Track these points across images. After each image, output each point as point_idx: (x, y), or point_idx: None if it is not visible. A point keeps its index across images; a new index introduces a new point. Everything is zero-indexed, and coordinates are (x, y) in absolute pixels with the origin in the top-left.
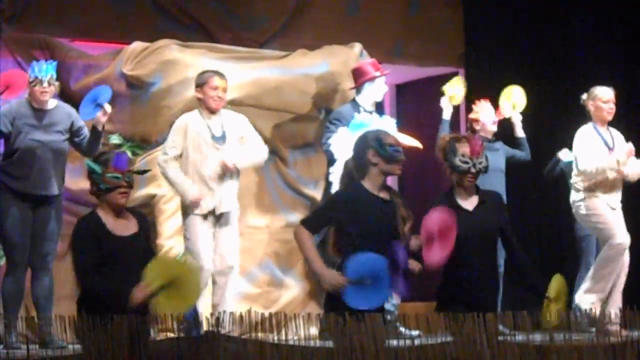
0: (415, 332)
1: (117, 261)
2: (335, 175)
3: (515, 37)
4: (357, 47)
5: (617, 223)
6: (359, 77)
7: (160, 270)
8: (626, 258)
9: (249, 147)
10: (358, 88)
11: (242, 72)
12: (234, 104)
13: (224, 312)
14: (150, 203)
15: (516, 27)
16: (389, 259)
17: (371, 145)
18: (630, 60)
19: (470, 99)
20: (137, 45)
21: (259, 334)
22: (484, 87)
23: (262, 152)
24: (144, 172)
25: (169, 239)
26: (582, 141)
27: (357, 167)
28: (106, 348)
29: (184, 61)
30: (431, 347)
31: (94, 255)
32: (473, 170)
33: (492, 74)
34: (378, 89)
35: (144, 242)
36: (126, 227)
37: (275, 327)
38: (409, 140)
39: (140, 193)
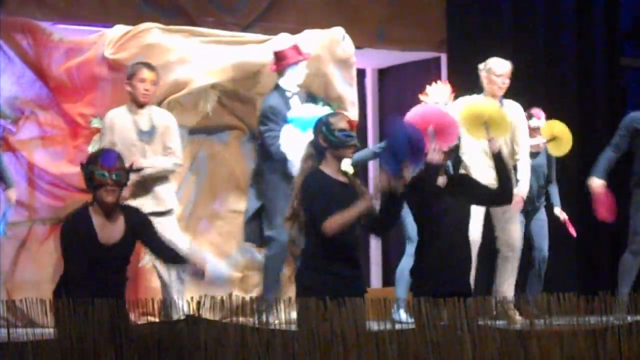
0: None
1: (100, 268)
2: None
3: (497, 21)
4: (339, 31)
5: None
6: (281, 60)
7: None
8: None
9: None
10: (281, 72)
11: (223, 56)
12: (216, 88)
13: (205, 296)
14: None
15: (498, 11)
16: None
17: (321, 130)
18: (613, 42)
19: (453, 83)
20: (118, 28)
21: (240, 318)
22: (465, 72)
23: (173, 161)
24: (138, 170)
25: None
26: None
27: (314, 151)
28: (86, 332)
29: (166, 45)
30: (412, 331)
31: (82, 256)
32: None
33: (474, 58)
34: (300, 73)
35: (130, 247)
36: (113, 233)
37: (256, 311)
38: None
39: None
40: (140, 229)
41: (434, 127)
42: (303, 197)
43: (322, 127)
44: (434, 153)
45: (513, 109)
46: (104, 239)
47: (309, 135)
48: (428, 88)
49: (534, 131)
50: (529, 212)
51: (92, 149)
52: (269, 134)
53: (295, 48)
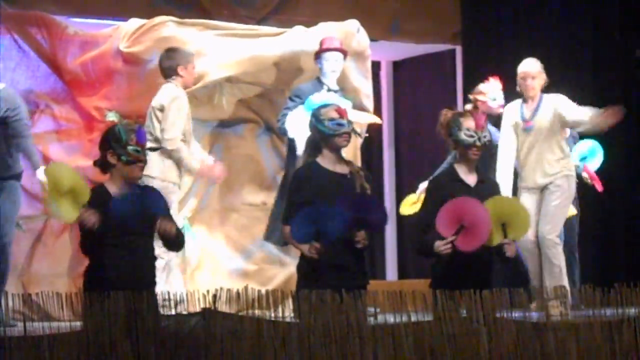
0: (371, 309)
1: (122, 235)
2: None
3: (511, 13)
4: (354, 24)
5: None
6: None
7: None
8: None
9: None
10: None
11: (239, 49)
12: (231, 82)
13: (221, 289)
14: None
15: (513, 3)
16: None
17: (312, 123)
18: (628, 33)
19: (468, 75)
20: (133, 22)
21: (256, 311)
22: (481, 64)
23: None
24: (156, 149)
25: None
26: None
27: (311, 145)
28: (102, 325)
29: (180, 38)
30: (427, 324)
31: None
32: (478, 143)
33: (489, 50)
34: (331, 65)
35: (151, 218)
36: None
37: (272, 304)
38: (366, 118)
39: None
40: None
41: (466, 224)
42: (290, 187)
43: (313, 119)
44: (445, 247)
45: (551, 100)
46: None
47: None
48: (482, 86)
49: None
50: None
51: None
52: (283, 112)
53: (328, 40)
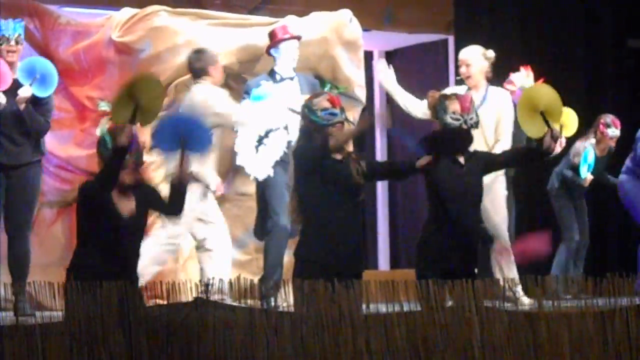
0: None
1: (114, 238)
2: (239, 146)
3: (504, 3)
4: (347, 13)
5: None
6: (270, 40)
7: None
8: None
9: None
10: (271, 55)
11: (231, 38)
12: (224, 71)
13: (214, 278)
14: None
15: None
16: None
17: (304, 113)
18: (621, 23)
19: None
20: (126, 11)
21: (249, 301)
22: None
23: None
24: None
25: None
26: None
27: (304, 135)
28: (94, 315)
29: (173, 28)
30: (420, 313)
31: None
32: (464, 126)
33: (481, 40)
34: (288, 54)
35: (142, 220)
36: (128, 205)
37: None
38: None
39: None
40: (149, 197)
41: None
42: (295, 175)
43: (305, 109)
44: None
45: (499, 97)
46: (121, 210)
47: (259, 105)
48: (512, 75)
49: (611, 140)
50: (577, 202)
51: (100, 132)
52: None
53: (283, 28)
